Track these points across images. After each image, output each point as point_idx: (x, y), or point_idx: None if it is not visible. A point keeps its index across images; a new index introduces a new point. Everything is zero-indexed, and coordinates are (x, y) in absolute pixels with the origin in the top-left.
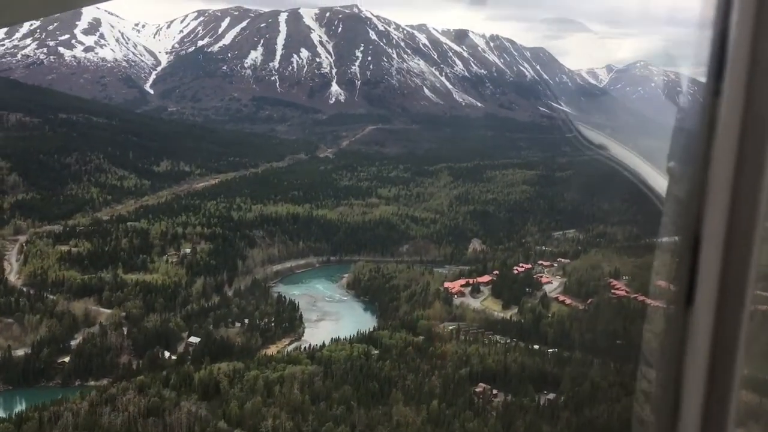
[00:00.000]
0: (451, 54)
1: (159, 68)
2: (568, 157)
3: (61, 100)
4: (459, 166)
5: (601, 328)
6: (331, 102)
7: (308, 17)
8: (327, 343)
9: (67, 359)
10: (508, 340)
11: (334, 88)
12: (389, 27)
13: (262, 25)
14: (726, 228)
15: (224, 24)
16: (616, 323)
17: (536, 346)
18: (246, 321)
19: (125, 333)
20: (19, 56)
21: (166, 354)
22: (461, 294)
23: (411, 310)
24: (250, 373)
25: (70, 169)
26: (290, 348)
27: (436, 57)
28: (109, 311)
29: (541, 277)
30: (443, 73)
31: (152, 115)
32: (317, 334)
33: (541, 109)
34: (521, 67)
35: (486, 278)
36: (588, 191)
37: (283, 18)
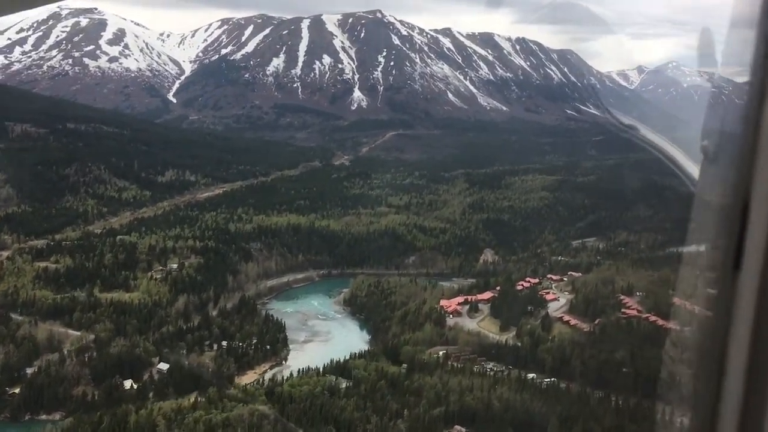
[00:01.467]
0: (476, 58)
1: (183, 77)
2: (595, 161)
3: (74, 110)
4: (477, 172)
5: (605, 355)
6: (353, 108)
7: (331, 23)
8: (313, 366)
9: (18, 390)
10: (501, 369)
11: (357, 94)
12: (412, 32)
13: (285, 32)
14: None
15: (248, 32)
16: (623, 349)
17: (531, 375)
18: (224, 344)
19: (86, 359)
20: (45, 67)
21: (128, 383)
22: (457, 313)
23: (401, 332)
24: (194, 414)
25: (67, 181)
26: (270, 374)
27: (460, 61)
28: (77, 334)
29: (548, 293)
30: (468, 77)
31: (172, 124)
32: (302, 357)
33: (568, 111)
34: (548, 70)
35: (487, 295)
36: (611, 197)
37: (305, 24)
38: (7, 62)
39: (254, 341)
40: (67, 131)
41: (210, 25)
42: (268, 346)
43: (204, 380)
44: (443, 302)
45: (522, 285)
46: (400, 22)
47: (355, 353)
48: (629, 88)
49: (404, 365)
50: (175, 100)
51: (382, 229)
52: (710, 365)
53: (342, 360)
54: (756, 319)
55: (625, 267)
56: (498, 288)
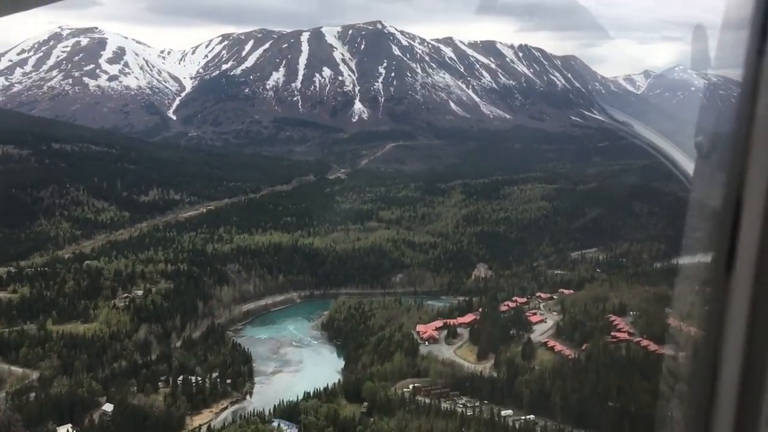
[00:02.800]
0: (478, 66)
1: (183, 94)
2: (599, 167)
3: (63, 130)
4: (475, 182)
5: (589, 387)
6: (354, 120)
7: (330, 35)
8: (277, 401)
9: None
10: (474, 405)
11: (357, 105)
12: (413, 42)
13: (284, 45)
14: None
15: (248, 47)
16: (610, 380)
17: (507, 412)
18: (180, 380)
19: (24, 401)
20: (45, 88)
21: (64, 429)
22: (433, 340)
23: (371, 362)
24: None
25: (42, 204)
26: (228, 412)
27: (462, 70)
28: (21, 371)
29: (535, 313)
30: (470, 86)
31: (171, 141)
32: (266, 392)
33: (572, 118)
34: (552, 77)
35: (468, 318)
36: (614, 205)
37: (305, 38)
38: (8, 84)
39: (216, 375)
40: (52, 152)
41: (211, 41)
42: (228, 381)
43: (151, 423)
44: (420, 327)
45: (507, 306)
46: (401, 32)
47: (311, 392)
48: (636, 92)
49: (365, 404)
50: (174, 117)
51: (368, 246)
52: (704, 365)
53: (297, 399)
54: (749, 318)
55: (620, 282)
56: (482, 309)
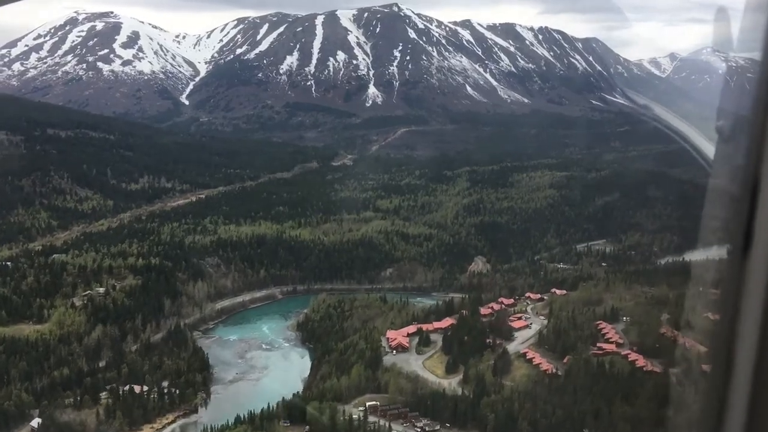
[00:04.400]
0: (496, 49)
1: (197, 78)
2: (617, 152)
3: (62, 115)
4: (483, 169)
5: (562, 411)
6: (368, 105)
7: (345, 19)
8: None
9: None
10: (433, 429)
11: (372, 90)
12: (430, 25)
13: (299, 29)
14: None
15: (263, 30)
16: (586, 402)
17: None
18: (125, 390)
19: None
20: (59, 73)
21: None
22: (402, 348)
23: (329, 373)
24: None
25: (22, 192)
26: (171, 428)
27: (480, 53)
28: None
29: (520, 317)
30: (488, 70)
31: (181, 126)
32: (219, 403)
33: (593, 102)
34: (572, 60)
35: (446, 322)
36: (626, 193)
37: (319, 21)
38: (23, 69)
39: (167, 384)
40: (45, 138)
41: (226, 24)
42: (175, 391)
43: None
44: (390, 333)
45: (491, 308)
46: (418, 15)
47: (246, 414)
48: (661, 76)
49: (307, 428)
50: (187, 102)
51: (357, 238)
52: (720, 346)
53: (227, 423)
54: (765, 299)
55: (618, 282)
56: (462, 313)
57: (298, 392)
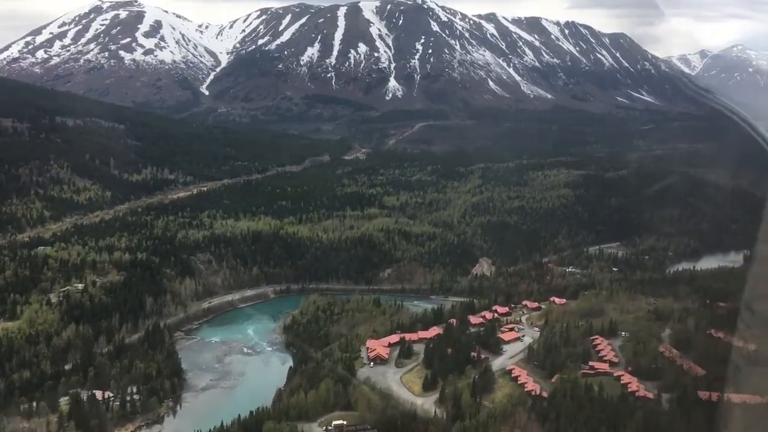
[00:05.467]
0: (521, 44)
1: (218, 69)
2: (639, 152)
3: (75, 103)
4: (498, 166)
5: None
6: (388, 98)
7: (368, 10)
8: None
9: None
10: None
11: (392, 83)
12: (454, 17)
13: (320, 20)
14: None
15: (285, 21)
16: (571, 430)
17: None
18: (85, 396)
19: None
20: (81, 61)
21: None
22: (381, 360)
23: (299, 385)
24: None
25: (18, 181)
26: None
27: (504, 47)
28: None
29: (513, 328)
30: (511, 64)
31: (198, 117)
32: (187, 413)
33: (619, 99)
34: (599, 55)
35: (433, 332)
36: (645, 194)
37: (342, 12)
38: (46, 56)
39: (133, 391)
40: (53, 126)
41: (249, 15)
42: (137, 398)
43: None
44: (369, 343)
45: (483, 317)
46: (442, 7)
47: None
48: (690, 73)
49: None
50: (207, 92)
51: (357, 237)
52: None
53: None
54: None
55: (621, 291)
56: (450, 322)
57: (262, 407)
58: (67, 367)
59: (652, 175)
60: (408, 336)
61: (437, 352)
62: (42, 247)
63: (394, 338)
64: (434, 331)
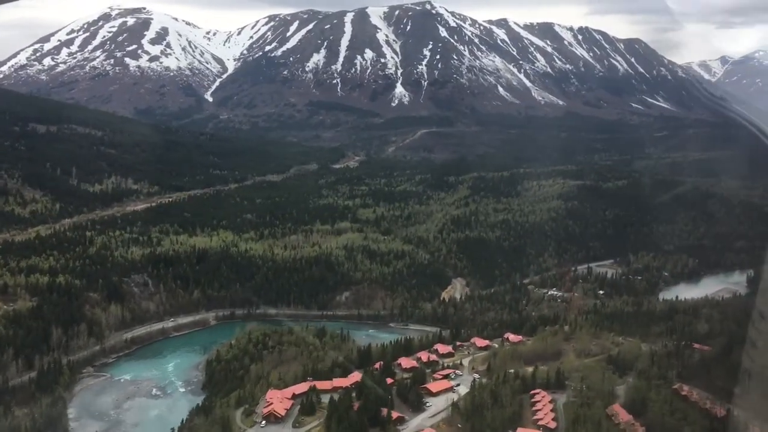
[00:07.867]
0: (532, 49)
1: (224, 75)
2: (648, 160)
3: (57, 110)
4: (492, 175)
5: None
6: (394, 104)
7: (375, 16)
8: None
9: None
10: None
11: (399, 89)
12: (463, 23)
13: (327, 26)
14: None
15: (293, 27)
16: None
17: None
18: None
19: None
20: (87, 68)
21: None
22: (274, 418)
23: None
24: None
25: None
26: None
27: (515, 53)
28: None
29: (448, 375)
30: (522, 70)
31: (198, 124)
32: None
33: (633, 105)
34: (613, 61)
35: (353, 378)
36: (644, 206)
37: (349, 18)
38: (53, 63)
39: None
40: (22, 133)
41: (257, 21)
42: None
43: None
44: (270, 395)
45: (418, 359)
46: (451, 13)
47: None
48: (710, 79)
49: None
50: (211, 99)
51: (313, 256)
52: None
53: None
54: None
55: (587, 328)
56: (376, 366)
57: None
58: None
59: (655, 185)
60: (320, 384)
61: (342, 409)
62: None
63: (303, 387)
64: (354, 377)
